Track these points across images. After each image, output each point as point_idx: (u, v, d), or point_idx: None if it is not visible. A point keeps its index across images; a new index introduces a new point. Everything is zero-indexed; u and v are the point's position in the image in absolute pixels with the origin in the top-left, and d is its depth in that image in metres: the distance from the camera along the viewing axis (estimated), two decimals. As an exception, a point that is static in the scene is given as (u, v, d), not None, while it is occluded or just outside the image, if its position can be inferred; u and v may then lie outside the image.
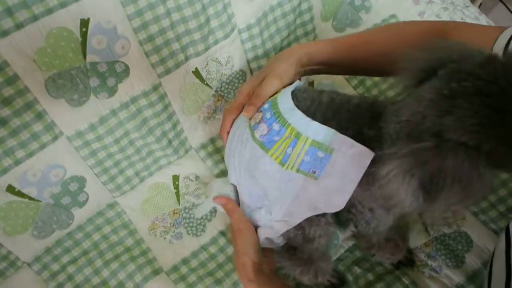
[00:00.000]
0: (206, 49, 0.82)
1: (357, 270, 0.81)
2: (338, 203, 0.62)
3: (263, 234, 0.69)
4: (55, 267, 0.82)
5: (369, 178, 0.58)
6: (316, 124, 0.59)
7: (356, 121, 0.60)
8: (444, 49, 0.53)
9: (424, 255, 0.83)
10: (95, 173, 0.82)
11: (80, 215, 0.85)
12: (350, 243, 0.84)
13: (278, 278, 0.70)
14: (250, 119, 0.65)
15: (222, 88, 0.90)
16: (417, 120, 0.48)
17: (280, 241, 0.73)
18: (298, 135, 0.59)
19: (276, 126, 0.60)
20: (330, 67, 0.74)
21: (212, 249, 0.84)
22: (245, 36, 0.86)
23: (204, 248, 0.84)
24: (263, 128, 0.61)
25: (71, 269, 0.82)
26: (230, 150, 0.70)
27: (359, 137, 0.57)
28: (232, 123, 0.71)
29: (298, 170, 0.60)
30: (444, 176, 0.46)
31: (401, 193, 0.48)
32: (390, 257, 0.79)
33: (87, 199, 0.84)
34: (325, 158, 0.58)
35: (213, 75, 0.87)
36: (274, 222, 0.67)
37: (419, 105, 0.48)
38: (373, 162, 0.56)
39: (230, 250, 0.84)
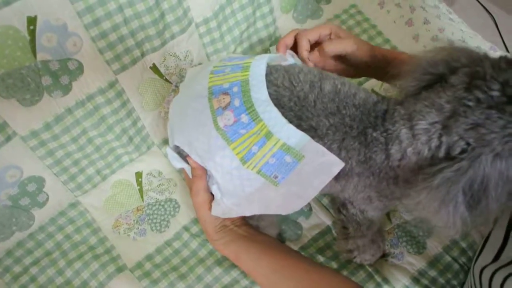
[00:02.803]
0: (163, 44, 0.81)
1: (321, 258, 0.82)
2: (294, 208, 0.60)
3: (213, 209, 0.67)
4: (17, 269, 0.81)
5: (367, 180, 0.58)
6: (291, 127, 0.55)
7: (361, 119, 0.56)
8: (449, 51, 0.52)
9: (387, 243, 0.84)
10: (54, 173, 0.81)
11: (41, 215, 0.84)
12: (314, 232, 0.85)
13: (241, 228, 0.70)
14: (211, 97, 0.58)
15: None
16: (437, 130, 0.48)
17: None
18: (268, 135, 0.55)
19: (244, 118, 0.56)
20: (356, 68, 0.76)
21: (176, 245, 0.84)
22: (202, 30, 0.86)
23: (168, 243, 0.84)
24: (229, 117, 0.56)
25: (33, 270, 0.81)
26: (176, 118, 0.65)
27: (362, 138, 0.55)
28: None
29: (259, 172, 0.57)
30: (486, 187, 0.45)
31: (449, 222, 0.47)
32: (370, 258, 0.79)
33: (47, 199, 0.83)
34: (291, 164, 0.55)
35: (172, 70, 0.86)
36: (223, 204, 0.64)
37: (439, 114, 0.48)
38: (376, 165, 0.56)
39: (194, 244, 0.84)
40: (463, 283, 0.80)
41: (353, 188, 0.61)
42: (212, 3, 0.83)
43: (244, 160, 0.56)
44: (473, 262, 0.68)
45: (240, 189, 0.60)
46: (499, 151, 0.44)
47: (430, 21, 1.00)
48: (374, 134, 0.55)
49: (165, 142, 0.93)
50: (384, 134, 0.54)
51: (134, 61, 0.79)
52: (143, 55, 0.80)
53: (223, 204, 0.64)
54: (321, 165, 0.55)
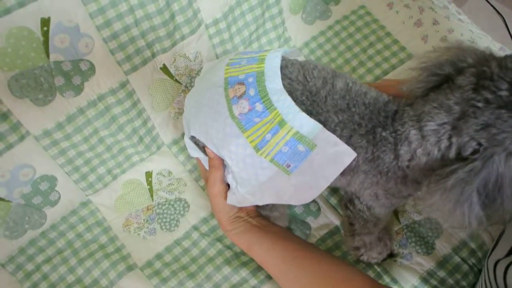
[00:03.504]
0: (173, 45, 0.82)
1: (340, 258, 0.82)
2: (306, 198, 0.61)
3: (229, 199, 0.67)
4: (30, 267, 0.83)
5: (374, 178, 0.58)
6: (304, 116, 0.56)
7: (371, 118, 0.57)
8: (454, 51, 0.52)
9: (395, 243, 0.84)
10: (65, 172, 0.82)
11: (52, 214, 0.85)
12: (322, 232, 0.85)
13: (255, 219, 0.71)
14: (227, 87, 0.59)
15: (192, 84, 0.90)
16: (446, 131, 0.48)
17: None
18: (282, 123, 0.56)
19: (259, 107, 0.56)
20: None
21: (186, 244, 0.85)
22: (212, 31, 0.87)
23: (177, 242, 0.85)
24: (244, 106, 0.57)
25: (45, 268, 0.83)
26: (192, 109, 0.65)
27: (371, 136, 0.56)
28: None
29: (272, 160, 0.58)
30: (501, 186, 0.45)
31: (465, 222, 0.47)
32: (377, 256, 0.79)
33: (59, 198, 0.84)
34: (304, 153, 0.56)
35: (182, 70, 0.87)
36: (238, 193, 0.65)
37: (448, 116, 0.48)
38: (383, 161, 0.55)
39: (203, 244, 0.84)
40: (473, 284, 0.79)
41: (359, 184, 0.62)
42: (222, 5, 0.84)
43: (257, 148, 0.57)
44: (487, 256, 0.68)
45: (254, 178, 0.61)
46: (511, 150, 0.44)
47: (439, 22, 1.00)
48: (384, 134, 0.55)
49: (175, 142, 0.94)
50: (394, 134, 0.55)
51: (144, 62, 0.80)
52: (153, 55, 0.81)
53: (238, 193, 0.64)
54: (333, 155, 0.56)
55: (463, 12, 1.08)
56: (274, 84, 0.57)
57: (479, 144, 0.46)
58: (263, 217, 0.72)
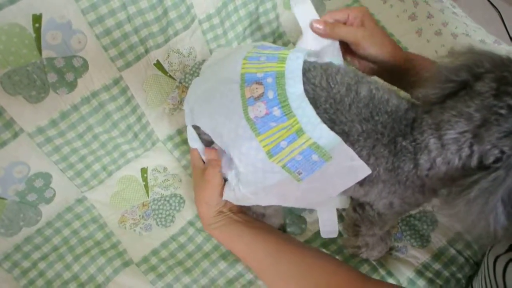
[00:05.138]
0: (166, 41, 0.82)
1: (325, 252, 0.82)
2: (311, 203, 0.60)
3: (225, 194, 0.66)
4: (26, 264, 0.82)
5: (392, 188, 0.57)
6: (324, 128, 0.54)
7: (393, 127, 0.55)
8: (469, 56, 0.51)
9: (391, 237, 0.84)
10: (60, 169, 0.82)
11: (48, 211, 0.85)
12: (318, 227, 0.85)
13: (236, 215, 0.70)
14: (243, 85, 0.56)
15: (186, 79, 0.90)
16: (467, 139, 0.47)
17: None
18: (300, 132, 0.54)
19: (277, 112, 0.54)
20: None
21: (182, 239, 0.85)
22: (206, 27, 0.87)
23: (173, 238, 0.85)
24: (261, 109, 0.54)
25: (42, 265, 0.83)
26: (199, 99, 0.62)
27: (392, 146, 0.54)
28: None
29: (284, 166, 0.56)
30: None
31: (490, 233, 0.46)
32: (377, 255, 0.79)
33: (54, 195, 0.84)
34: (317, 163, 0.54)
35: (176, 66, 0.87)
36: (238, 191, 0.63)
37: (469, 124, 0.47)
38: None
39: (199, 239, 0.84)
40: (469, 277, 0.80)
41: (376, 194, 0.60)
42: (215, 0, 0.84)
43: (271, 154, 0.55)
44: (487, 251, 0.67)
45: (261, 181, 0.59)
46: None
47: (433, 15, 1.00)
48: (404, 143, 0.54)
49: (170, 138, 0.94)
50: (413, 143, 0.53)
51: (138, 58, 0.80)
52: (147, 51, 0.81)
53: (239, 191, 0.63)
54: (348, 168, 0.54)
55: (458, 5, 1.07)
56: (295, 89, 0.55)
57: (502, 152, 0.45)
58: (245, 213, 0.71)
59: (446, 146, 0.50)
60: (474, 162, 0.48)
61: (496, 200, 0.45)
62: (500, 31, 1.54)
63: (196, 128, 0.67)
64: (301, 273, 0.62)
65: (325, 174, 0.56)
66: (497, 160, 0.45)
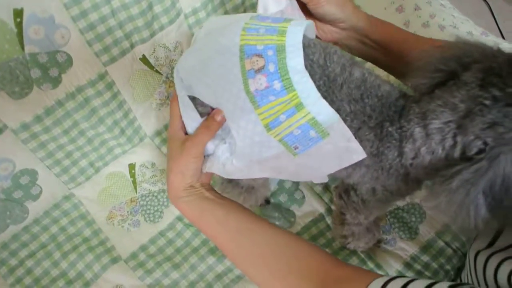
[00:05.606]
0: (152, 35, 0.82)
1: (300, 236, 0.82)
2: (305, 178, 0.59)
3: (209, 167, 0.64)
4: (13, 262, 0.82)
5: (375, 173, 0.57)
6: (324, 103, 0.53)
7: (381, 111, 0.55)
8: (460, 46, 0.51)
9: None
10: (46, 166, 0.81)
11: (35, 208, 0.84)
12: (307, 220, 0.85)
13: (208, 191, 0.67)
14: (243, 57, 0.55)
15: (173, 74, 0.90)
16: (451, 129, 0.47)
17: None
18: (299, 106, 0.53)
19: (277, 85, 0.53)
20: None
21: (170, 235, 0.85)
22: (192, 21, 0.86)
23: (161, 234, 0.85)
24: (261, 82, 0.54)
25: (29, 263, 0.82)
26: (194, 69, 0.60)
27: (378, 130, 0.54)
28: None
29: (281, 140, 0.56)
30: (508, 187, 0.44)
31: (471, 224, 0.46)
32: (363, 246, 0.79)
33: (40, 192, 0.84)
34: (314, 139, 0.54)
35: (162, 61, 0.86)
36: (230, 164, 0.62)
37: (453, 114, 0.47)
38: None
39: (187, 234, 0.84)
40: (458, 268, 0.80)
41: (359, 177, 0.60)
42: (200, -7, 0.84)
43: (269, 127, 0.55)
44: (468, 246, 0.68)
45: (257, 154, 0.59)
46: None
47: (420, 7, 0.99)
48: (390, 129, 0.54)
49: (158, 133, 0.93)
50: (399, 130, 0.53)
51: (123, 53, 0.80)
52: (132, 46, 0.80)
53: (231, 165, 0.62)
54: (343, 148, 0.54)
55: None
56: (296, 63, 0.54)
57: (485, 143, 0.44)
58: (216, 191, 0.68)
59: (431, 135, 0.50)
60: (457, 152, 0.47)
61: (477, 192, 0.44)
62: (489, 23, 1.54)
63: (193, 99, 0.65)
64: (272, 253, 0.61)
65: (320, 151, 0.55)
66: (480, 152, 0.45)
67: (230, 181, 0.74)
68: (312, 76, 0.56)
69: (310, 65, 0.57)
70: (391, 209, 0.85)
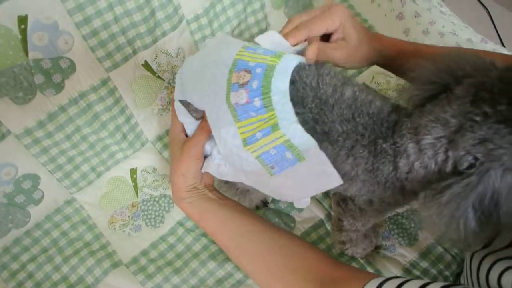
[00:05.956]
0: (154, 41, 0.82)
1: (299, 236, 0.82)
2: (285, 198, 0.60)
3: (205, 167, 0.66)
4: (15, 266, 0.82)
5: (371, 187, 0.57)
6: (299, 128, 0.54)
7: (374, 129, 0.55)
8: (455, 59, 0.51)
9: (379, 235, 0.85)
10: (48, 170, 0.82)
11: (36, 212, 0.85)
12: (306, 226, 0.86)
13: (211, 192, 0.69)
14: (233, 69, 0.56)
15: (175, 80, 0.90)
16: (443, 144, 0.47)
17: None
18: (275, 127, 0.54)
19: (257, 103, 0.54)
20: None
21: (171, 240, 0.85)
22: (194, 27, 0.87)
23: (163, 239, 0.85)
24: (242, 96, 0.54)
25: (31, 267, 0.83)
26: (192, 75, 0.62)
27: (372, 147, 0.55)
28: None
29: (258, 157, 0.56)
30: (497, 202, 0.44)
31: (460, 237, 0.47)
32: (361, 252, 0.80)
33: (42, 197, 0.84)
34: (291, 161, 0.55)
35: (164, 67, 0.87)
36: (223, 166, 0.64)
37: (444, 129, 0.47)
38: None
39: (188, 239, 0.85)
40: (457, 274, 0.80)
41: (356, 191, 0.61)
42: (203, 0, 0.84)
43: (246, 142, 0.56)
44: (465, 251, 0.68)
45: (239, 165, 0.60)
46: (508, 166, 0.43)
47: (420, 14, 1.00)
48: (384, 146, 0.54)
49: (159, 138, 0.94)
50: (393, 146, 0.54)
51: (125, 59, 0.80)
52: (134, 52, 0.81)
53: (224, 167, 0.64)
54: (320, 171, 0.54)
55: (447, 4, 1.08)
56: (281, 83, 0.54)
57: (476, 158, 0.45)
58: (219, 192, 0.70)
59: (424, 151, 0.50)
60: (449, 167, 0.48)
61: (467, 206, 0.45)
62: (489, 30, 1.55)
63: (187, 104, 0.66)
64: (271, 252, 0.62)
65: (297, 173, 0.56)
66: (470, 166, 0.45)
67: (226, 181, 0.74)
68: (304, 98, 0.57)
69: (303, 88, 0.58)
70: (391, 215, 0.86)
